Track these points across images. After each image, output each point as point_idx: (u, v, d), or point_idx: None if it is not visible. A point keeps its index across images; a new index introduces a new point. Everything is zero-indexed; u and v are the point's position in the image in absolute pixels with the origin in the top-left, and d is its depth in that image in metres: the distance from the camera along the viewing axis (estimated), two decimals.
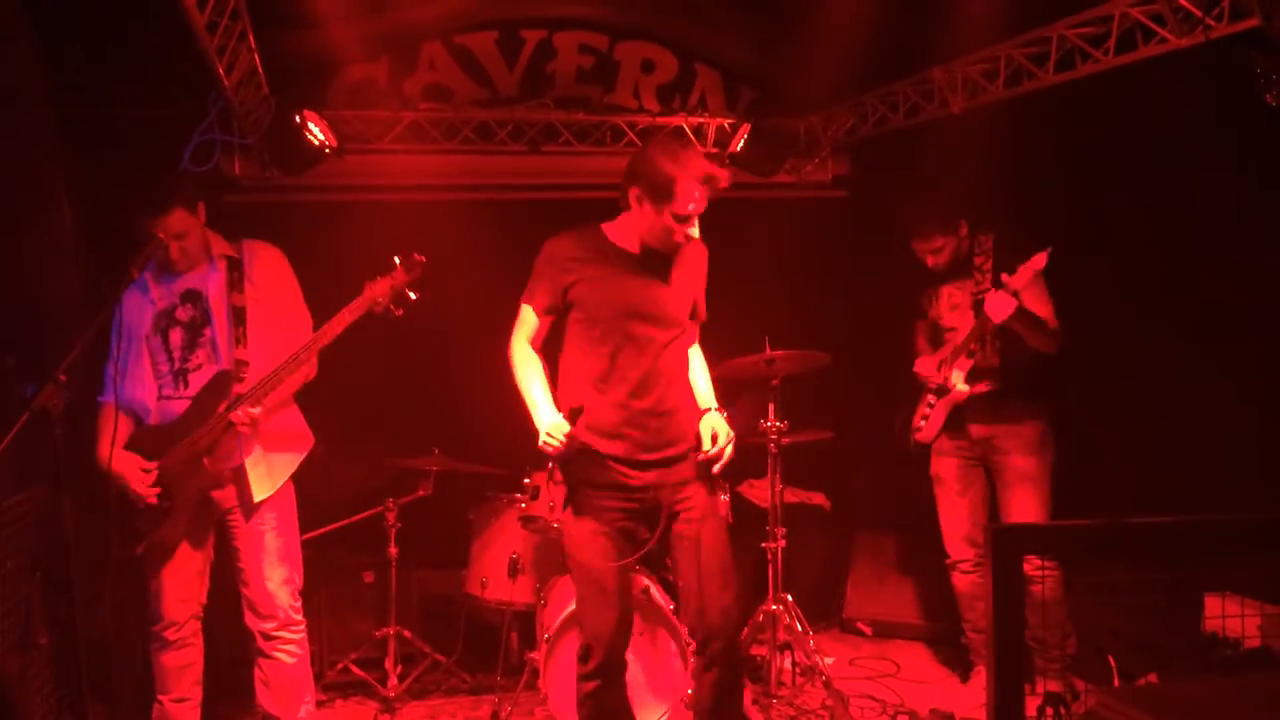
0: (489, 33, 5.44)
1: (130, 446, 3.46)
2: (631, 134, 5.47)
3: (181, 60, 4.11)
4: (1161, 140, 4.30)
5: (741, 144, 5.49)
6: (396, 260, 3.53)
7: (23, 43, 4.25)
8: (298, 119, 4.86)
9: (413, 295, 3.52)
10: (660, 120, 5.52)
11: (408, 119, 5.22)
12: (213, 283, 3.55)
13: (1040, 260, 3.73)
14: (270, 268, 3.64)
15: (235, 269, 3.55)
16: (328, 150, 5.02)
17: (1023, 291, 3.81)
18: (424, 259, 3.55)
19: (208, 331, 3.53)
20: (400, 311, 3.51)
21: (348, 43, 4.92)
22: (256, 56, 3.97)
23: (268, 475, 3.55)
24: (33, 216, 4.42)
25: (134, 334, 3.51)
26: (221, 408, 3.43)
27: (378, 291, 3.49)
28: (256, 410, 3.41)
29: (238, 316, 3.50)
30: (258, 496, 3.52)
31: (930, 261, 4.25)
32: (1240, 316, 4.05)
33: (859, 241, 5.66)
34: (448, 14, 5.27)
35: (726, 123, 5.56)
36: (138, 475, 3.41)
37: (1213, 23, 3.16)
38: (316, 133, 4.94)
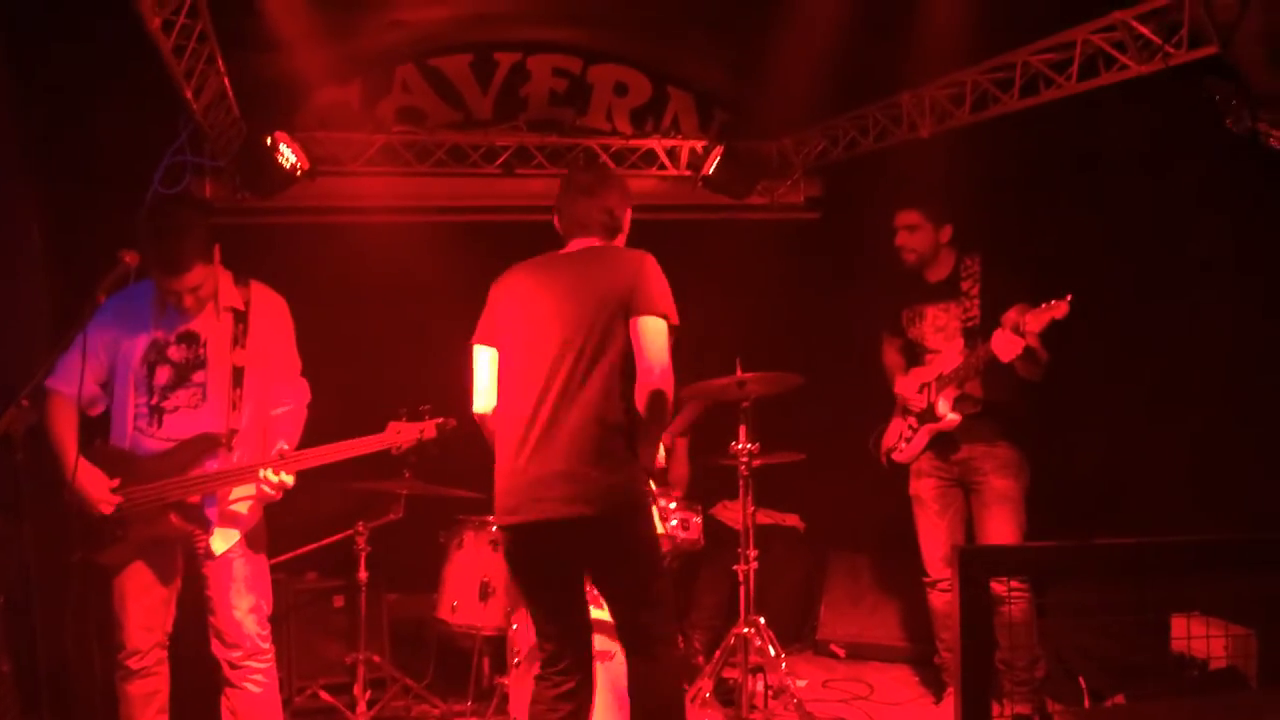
0: (463, 55, 5.48)
1: (94, 460, 3.39)
2: (605, 156, 5.49)
3: (152, 82, 4.11)
4: (1131, 162, 4.36)
5: (714, 166, 5.52)
6: (426, 415, 3.56)
7: None
8: (269, 141, 4.84)
9: (434, 451, 3.59)
10: (633, 142, 5.56)
11: (380, 141, 5.23)
12: (215, 334, 3.48)
13: (1061, 309, 3.72)
14: (272, 321, 3.59)
15: (240, 322, 3.50)
16: (299, 172, 5.01)
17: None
18: (455, 423, 3.57)
19: (198, 377, 3.46)
20: (414, 460, 3.61)
21: (320, 65, 4.93)
22: (226, 79, 3.96)
23: (231, 527, 3.50)
24: (1, 237, 4.38)
25: (127, 360, 3.44)
26: (199, 469, 3.39)
27: (401, 438, 3.53)
28: (290, 480, 3.41)
29: (236, 377, 3.46)
30: (217, 550, 3.46)
31: (900, 240, 4.27)
32: (1215, 341, 4.09)
33: (831, 263, 5.71)
34: (421, 37, 5.30)
35: (699, 145, 5.60)
36: (102, 494, 3.35)
37: (1172, 50, 3.22)
38: (288, 155, 4.92)
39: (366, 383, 4.69)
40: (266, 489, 3.40)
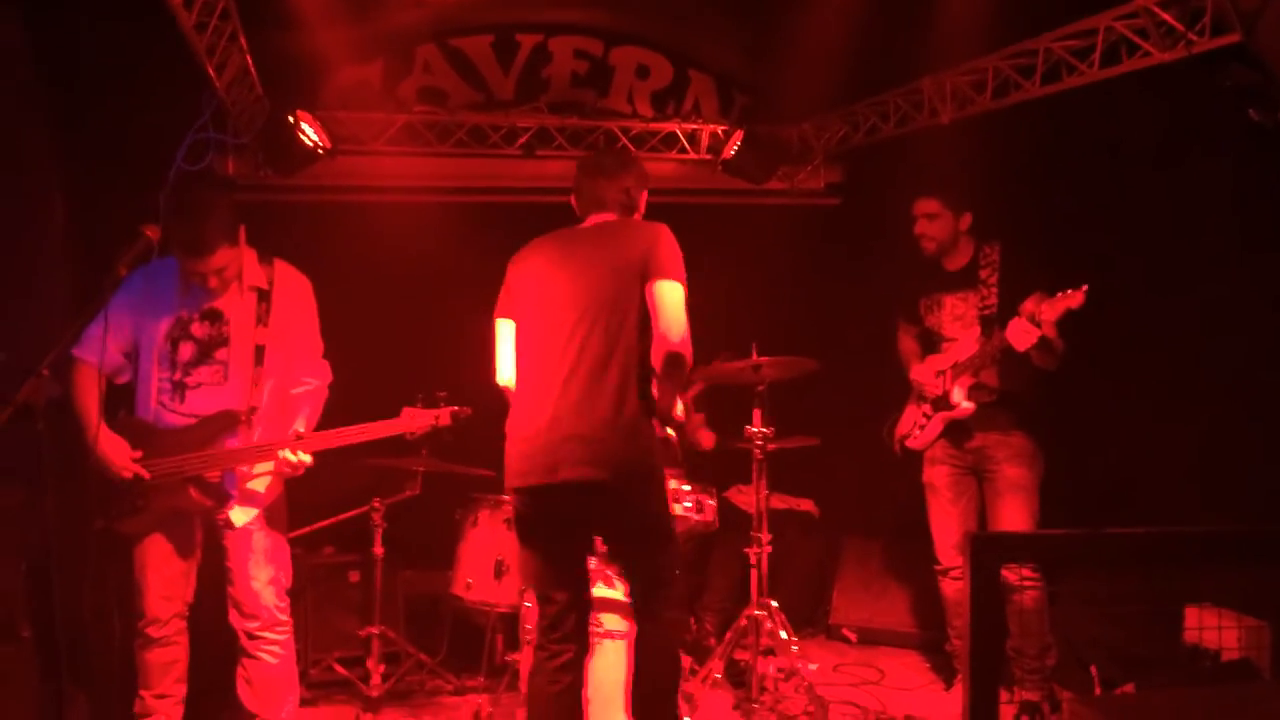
0: (484, 36, 5.47)
1: (118, 430, 3.45)
2: (625, 139, 5.49)
3: (176, 59, 4.14)
4: (1151, 153, 4.33)
5: (734, 150, 5.51)
6: (442, 401, 3.62)
7: (15, 42, 4.27)
8: (291, 119, 4.87)
9: (447, 438, 3.65)
10: (654, 126, 5.55)
11: (401, 121, 5.24)
12: (238, 312, 3.53)
13: (1078, 298, 3.71)
14: (296, 302, 3.64)
15: (263, 301, 3.54)
16: (321, 151, 5.03)
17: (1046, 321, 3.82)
18: (470, 412, 3.63)
19: (220, 354, 3.51)
20: (424, 450, 3.76)
21: (342, 44, 4.95)
22: (248, 57, 3.99)
23: (251, 504, 3.56)
24: (25, 214, 4.43)
25: (151, 335, 3.50)
26: (218, 445, 3.45)
27: (416, 425, 3.59)
28: (309, 460, 3.47)
29: (258, 355, 3.50)
30: (238, 522, 3.52)
31: (920, 229, 4.26)
32: (1231, 333, 4.07)
33: (850, 249, 5.69)
34: (443, 17, 5.31)
35: (720, 129, 5.58)
36: (124, 461, 3.40)
37: (1195, 37, 3.19)
38: (310, 133, 4.95)
39: (382, 361, 4.72)
40: (286, 468, 3.46)
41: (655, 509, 3.20)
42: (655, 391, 3.10)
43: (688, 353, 3.05)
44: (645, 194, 3.41)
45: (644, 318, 3.09)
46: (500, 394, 3.36)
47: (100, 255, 4.08)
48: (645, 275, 3.08)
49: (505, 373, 3.32)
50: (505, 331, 3.33)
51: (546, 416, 3.07)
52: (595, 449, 3.01)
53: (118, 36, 4.42)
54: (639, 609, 3.26)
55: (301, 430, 3.50)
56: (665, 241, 3.12)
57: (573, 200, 3.43)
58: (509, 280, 3.35)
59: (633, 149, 5.48)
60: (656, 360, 3.05)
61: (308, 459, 3.46)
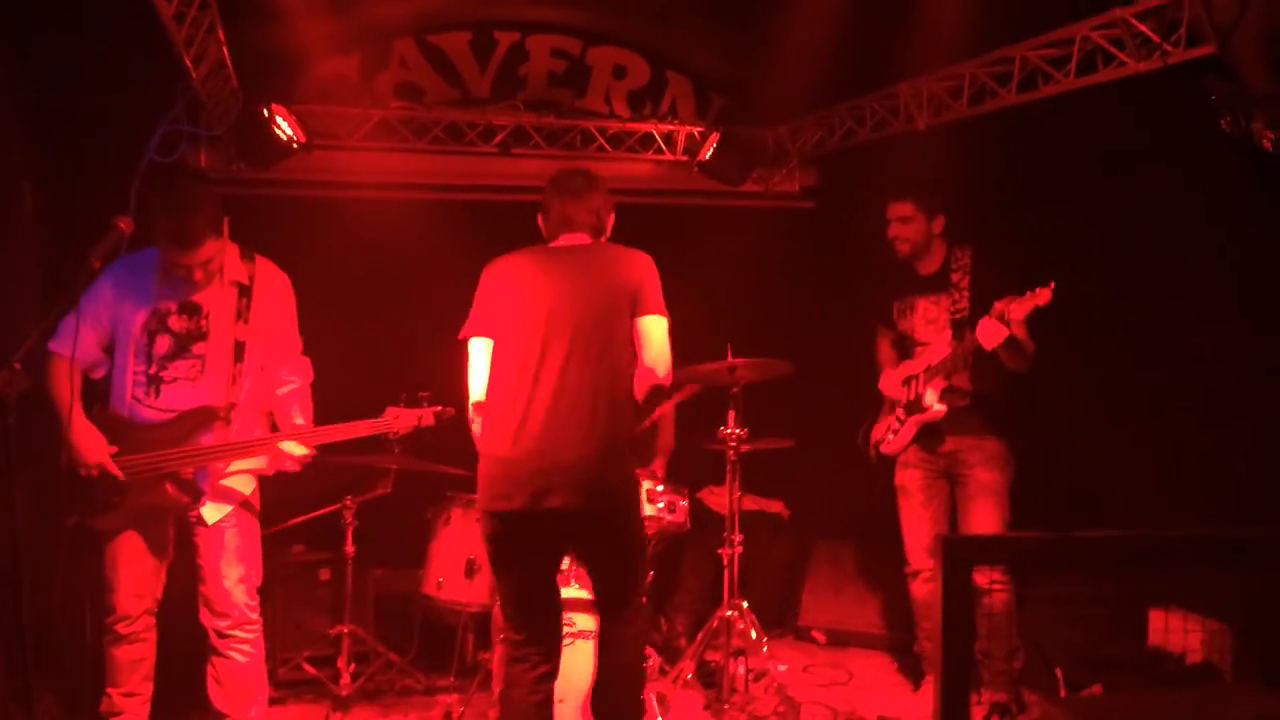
0: (462, 33, 5.46)
1: (92, 422, 3.40)
2: (602, 139, 5.49)
3: (148, 49, 4.09)
4: (1121, 160, 4.39)
5: (710, 152, 5.52)
6: (425, 401, 3.59)
7: None
8: (266, 113, 4.83)
9: (429, 438, 3.62)
10: (630, 126, 5.55)
11: (378, 116, 5.22)
12: (219, 306, 3.50)
13: (1045, 296, 3.73)
14: (276, 297, 3.62)
15: (244, 296, 3.51)
16: (296, 145, 5.00)
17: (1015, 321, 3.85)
18: (453, 412, 3.58)
19: (198, 349, 3.48)
20: (408, 446, 3.68)
21: (318, 37, 4.91)
22: (225, 49, 3.95)
23: (224, 501, 3.53)
24: None
25: (128, 327, 3.45)
26: (195, 441, 3.42)
27: (400, 425, 3.56)
28: (306, 451, 3.48)
29: (238, 351, 3.48)
30: (210, 520, 3.49)
31: (894, 232, 4.28)
32: (1202, 339, 4.13)
33: (824, 252, 5.73)
34: (420, 13, 5.29)
35: (696, 130, 5.60)
36: (99, 455, 3.36)
37: (1170, 48, 3.24)
38: (285, 127, 4.91)
39: (357, 359, 4.68)
40: (289, 465, 3.45)
41: (633, 530, 3.25)
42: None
43: (669, 385, 3.18)
44: (612, 216, 3.42)
45: (628, 344, 3.15)
46: (468, 412, 3.29)
47: (70, 246, 4.03)
48: (635, 307, 3.14)
49: (480, 390, 3.23)
50: (481, 350, 3.24)
51: (531, 439, 3.03)
52: (581, 477, 3.01)
53: (89, 24, 4.37)
54: (604, 612, 3.29)
55: (302, 422, 3.47)
56: (653, 274, 3.21)
57: (539, 219, 3.42)
58: (484, 296, 3.28)
59: (609, 149, 5.49)
60: (640, 391, 3.13)
61: (304, 450, 3.45)
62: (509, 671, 3.22)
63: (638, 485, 3.28)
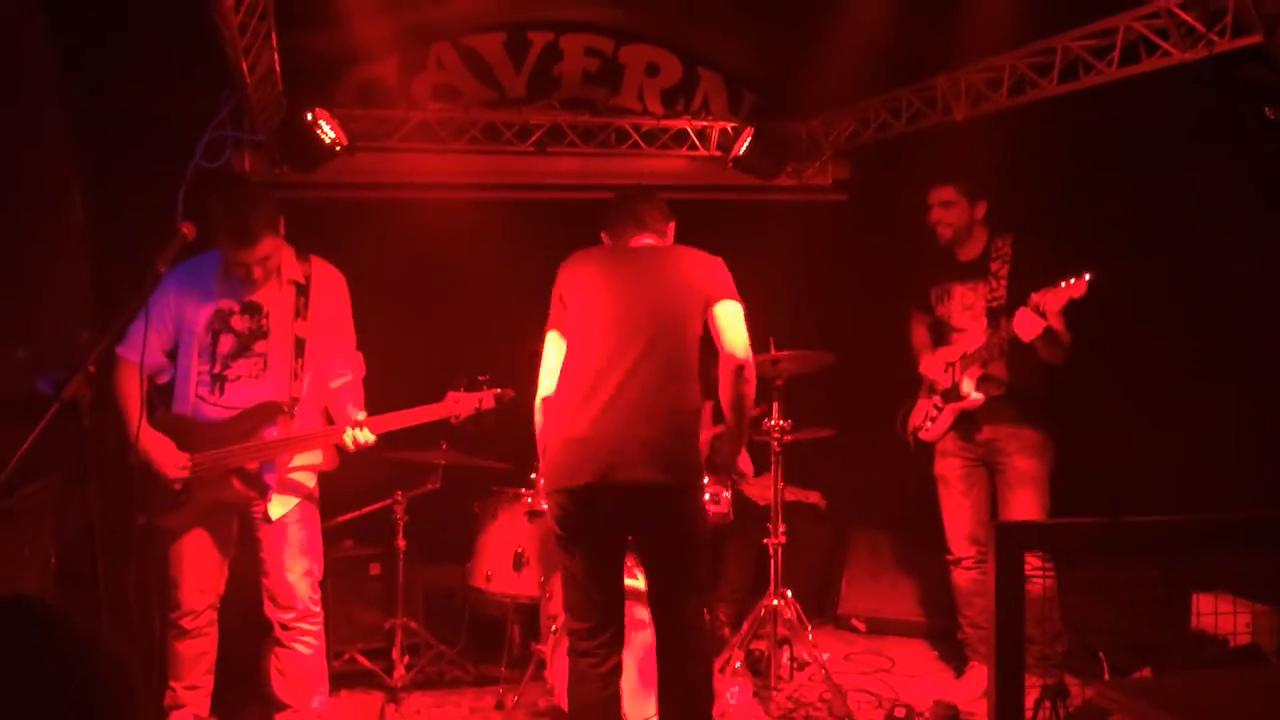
0: (496, 34, 5.53)
1: (158, 427, 3.49)
2: (636, 136, 5.54)
3: (194, 56, 4.17)
4: (1162, 150, 4.40)
5: (744, 147, 5.57)
6: (484, 385, 3.65)
7: (37, 36, 4.29)
8: (309, 116, 4.90)
9: (490, 421, 3.67)
10: (664, 123, 5.60)
11: (416, 118, 5.28)
12: (278, 305, 3.59)
13: (1080, 288, 3.75)
14: (332, 297, 3.70)
15: (302, 295, 3.60)
16: (338, 149, 5.07)
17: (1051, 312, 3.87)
18: (513, 394, 3.66)
19: (259, 347, 3.56)
20: (471, 430, 3.69)
21: (358, 42, 4.98)
22: (276, 55, 4.03)
23: (290, 494, 3.62)
24: (43, 209, 4.46)
25: (191, 328, 3.54)
26: (259, 436, 3.50)
27: (460, 408, 3.62)
28: (374, 438, 3.53)
29: (299, 348, 3.56)
30: (275, 515, 3.57)
31: (935, 216, 4.31)
32: (1241, 328, 4.15)
33: (858, 244, 5.76)
34: (456, 16, 5.36)
35: (729, 126, 5.64)
36: (168, 459, 3.45)
37: (1215, 38, 3.26)
38: (328, 130, 4.98)
39: (405, 353, 4.73)
40: (351, 447, 3.51)
41: (700, 516, 3.28)
42: (715, 442, 3.26)
43: (752, 368, 3.24)
44: (673, 224, 3.56)
45: (704, 337, 3.25)
46: (531, 405, 3.36)
47: (118, 252, 4.13)
48: (709, 298, 3.25)
49: (549, 388, 3.30)
50: (554, 345, 3.32)
51: (603, 421, 3.10)
52: (651, 453, 3.07)
53: (135, 33, 4.45)
54: (662, 621, 3.27)
55: (361, 417, 3.54)
56: (725, 271, 3.33)
57: (610, 220, 3.50)
58: (562, 291, 3.35)
59: (644, 146, 5.55)
60: (725, 375, 3.22)
61: (372, 438, 3.52)
62: (577, 666, 3.23)
63: (703, 478, 3.30)
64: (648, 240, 3.44)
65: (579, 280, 3.34)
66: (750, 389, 3.25)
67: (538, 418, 3.32)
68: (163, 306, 3.52)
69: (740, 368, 3.21)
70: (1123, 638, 4.21)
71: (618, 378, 3.13)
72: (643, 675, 3.83)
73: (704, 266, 3.31)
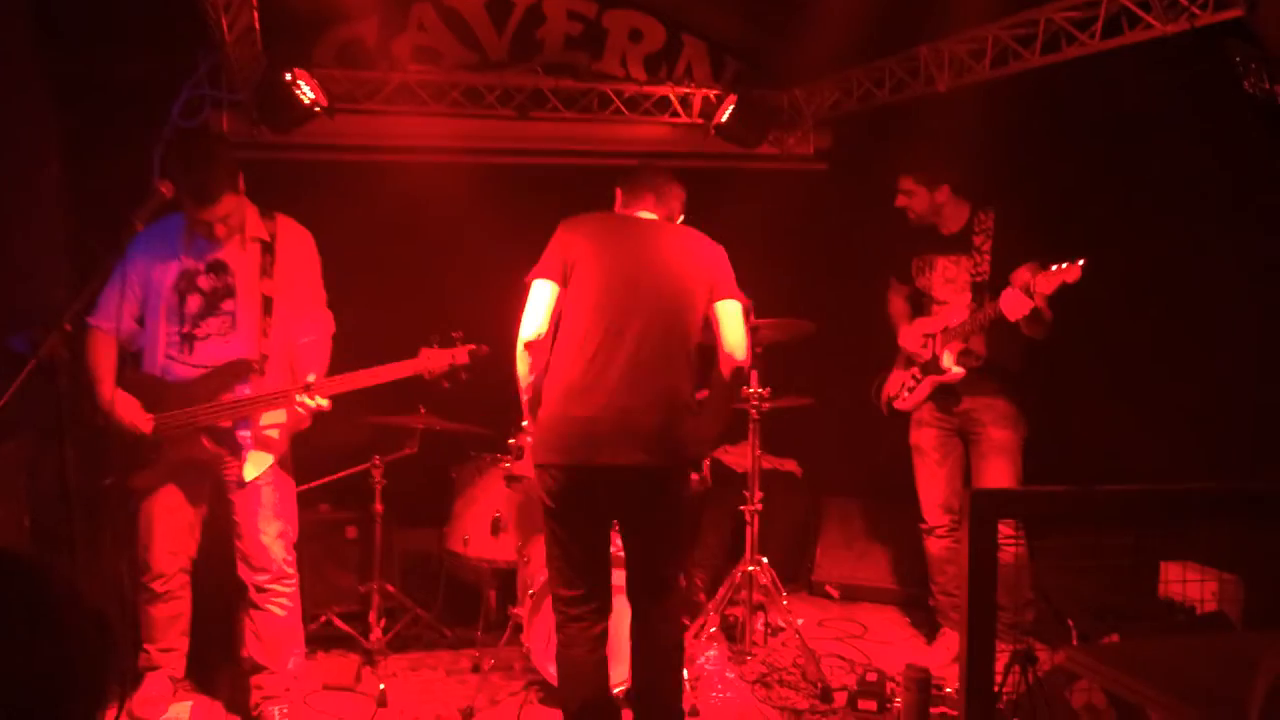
0: None
1: (126, 387, 3.48)
2: (619, 101, 5.51)
3: (170, 14, 4.10)
4: (1140, 124, 4.41)
5: (727, 115, 5.55)
6: (458, 341, 3.62)
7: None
8: (288, 76, 4.84)
9: (464, 376, 3.63)
10: (647, 89, 5.57)
11: (396, 80, 5.22)
12: (243, 263, 3.56)
13: (1074, 273, 3.76)
14: (298, 253, 3.67)
15: (267, 252, 3.57)
16: (318, 109, 5.02)
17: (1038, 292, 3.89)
18: (487, 349, 3.63)
19: (227, 305, 3.54)
20: (446, 385, 3.63)
21: (338, 1, 4.92)
22: (256, 13, 3.97)
23: (264, 455, 3.60)
24: (19, 171, 4.39)
25: (158, 289, 3.52)
26: (231, 394, 3.49)
27: (434, 364, 3.60)
28: (326, 403, 3.51)
29: (266, 305, 3.54)
30: (248, 477, 3.56)
31: (899, 203, 4.37)
32: (1219, 302, 4.19)
33: (838, 214, 5.76)
34: None
35: (712, 93, 5.61)
36: (137, 418, 3.44)
37: (1198, 11, 3.26)
38: (307, 91, 4.92)
39: (380, 314, 4.71)
40: (300, 411, 3.48)
41: (686, 503, 3.32)
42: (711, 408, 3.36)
43: (748, 367, 3.31)
44: (682, 213, 3.56)
45: (701, 324, 3.28)
46: (512, 349, 3.29)
47: (94, 212, 4.07)
48: (714, 290, 3.27)
49: (534, 329, 3.20)
50: (545, 292, 3.23)
51: (601, 399, 3.09)
52: (646, 435, 3.09)
53: None
54: (642, 595, 3.29)
55: (312, 380, 3.52)
56: (728, 263, 3.36)
57: (629, 183, 3.46)
58: (560, 247, 3.28)
59: (626, 112, 5.52)
60: (725, 373, 3.27)
61: (325, 403, 3.50)
62: (566, 630, 3.24)
63: (694, 458, 3.33)
64: (659, 211, 3.43)
65: (586, 244, 3.27)
66: (742, 385, 3.32)
67: (521, 364, 3.25)
68: (131, 271, 3.49)
69: (738, 368, 3.28)
70: (1091, 605, 4.26)
71: (620, 356, 3.12)
72: (619, 641, 3.86)
73: (712, 256, 3.33)
